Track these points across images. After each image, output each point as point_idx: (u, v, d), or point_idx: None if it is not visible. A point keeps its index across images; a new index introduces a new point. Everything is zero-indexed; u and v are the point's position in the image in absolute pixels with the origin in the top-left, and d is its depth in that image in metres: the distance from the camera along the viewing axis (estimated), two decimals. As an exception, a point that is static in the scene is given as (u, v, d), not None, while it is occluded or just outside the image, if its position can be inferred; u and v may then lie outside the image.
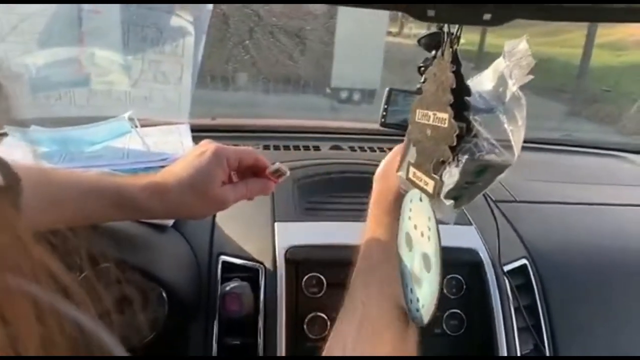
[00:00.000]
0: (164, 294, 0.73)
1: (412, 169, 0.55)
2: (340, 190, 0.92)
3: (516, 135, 0.44)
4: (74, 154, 0.97)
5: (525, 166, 1.25)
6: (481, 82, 0.54)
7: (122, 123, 1.00)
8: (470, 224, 0.84)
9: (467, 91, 0.51)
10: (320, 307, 0.73)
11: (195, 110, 1.12)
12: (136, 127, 1.03)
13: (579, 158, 1.36)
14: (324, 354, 0.52)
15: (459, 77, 0.49)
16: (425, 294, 0.49)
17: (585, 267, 0.86)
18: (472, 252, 0.79)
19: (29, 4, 1.00)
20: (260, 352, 0.69)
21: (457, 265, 0.78)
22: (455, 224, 0.81)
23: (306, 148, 1.16)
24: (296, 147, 1.15)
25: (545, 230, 0.91)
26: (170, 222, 0.77)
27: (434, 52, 0.81)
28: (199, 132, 1.10)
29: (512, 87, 0.47)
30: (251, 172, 0.68)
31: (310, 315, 0.73)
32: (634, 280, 0.85)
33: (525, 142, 0.44)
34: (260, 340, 0.70)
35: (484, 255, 0.79)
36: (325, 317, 0.73)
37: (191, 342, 0.71)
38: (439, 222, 0.47)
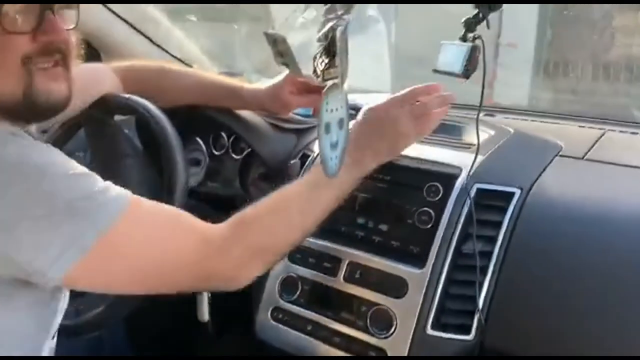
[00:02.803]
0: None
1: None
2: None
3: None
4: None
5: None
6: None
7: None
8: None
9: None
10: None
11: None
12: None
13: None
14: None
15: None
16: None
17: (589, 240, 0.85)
18: (453, 168, 0.95)
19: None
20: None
21: (438, 176, 0.96)
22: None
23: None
24: None
25: (581, 187, 0.93)
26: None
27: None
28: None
29: None
30: None
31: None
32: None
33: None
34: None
35: (463, 174, 0.94)
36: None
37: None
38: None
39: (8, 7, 0.65)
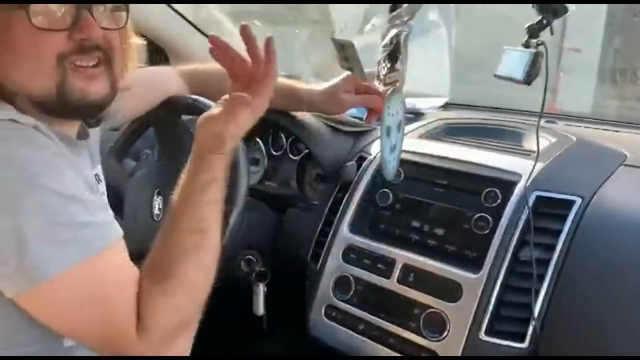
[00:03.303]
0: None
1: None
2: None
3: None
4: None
5: None
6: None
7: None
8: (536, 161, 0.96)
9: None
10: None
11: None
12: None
13: None
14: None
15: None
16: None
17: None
18: (512, 175, 0.95)
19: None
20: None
21: (497, 182, 0.96)
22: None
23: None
24: None
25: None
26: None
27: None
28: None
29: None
30: None
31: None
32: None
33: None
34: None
35: (522, 180, 0.93)
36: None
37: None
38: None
39: (44, 6, 0.66)
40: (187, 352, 0.73)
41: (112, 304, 0.66)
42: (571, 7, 0.93)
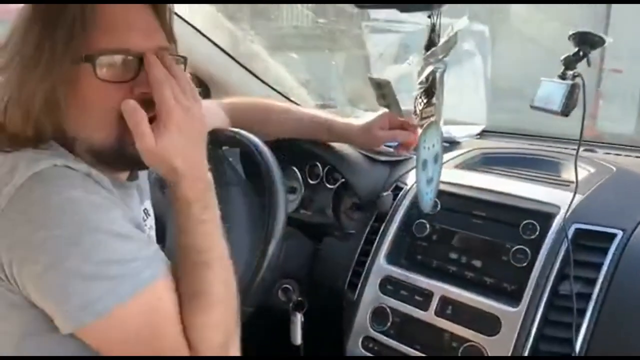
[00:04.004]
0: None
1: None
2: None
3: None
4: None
5: None
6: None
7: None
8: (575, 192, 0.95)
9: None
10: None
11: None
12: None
13: None
14: None
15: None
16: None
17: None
18: (550, 207, 0.94)
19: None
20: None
21: (535, 214, 0.95)
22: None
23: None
24: None
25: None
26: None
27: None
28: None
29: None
30: None
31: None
32: None
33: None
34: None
35: (561, 212, 0.92)
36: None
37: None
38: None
39: (109, 59, 0.69)
40: None
41: (165, 331, 0.69)
42: (609, 38, 0.93)
